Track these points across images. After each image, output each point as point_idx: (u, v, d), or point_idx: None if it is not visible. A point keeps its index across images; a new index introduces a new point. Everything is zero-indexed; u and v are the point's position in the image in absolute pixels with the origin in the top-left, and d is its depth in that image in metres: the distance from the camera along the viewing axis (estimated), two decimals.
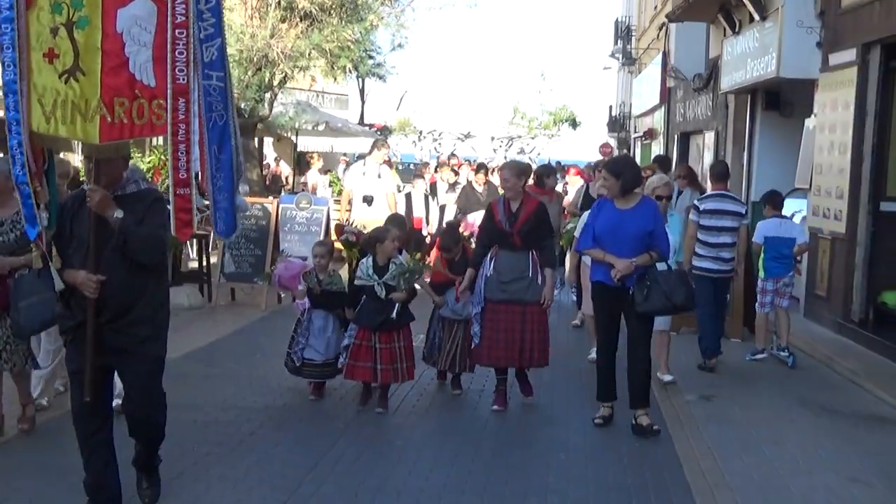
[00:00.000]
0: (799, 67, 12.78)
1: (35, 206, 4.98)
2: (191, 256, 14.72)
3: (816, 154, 12.32)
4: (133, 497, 5.60)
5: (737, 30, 15.47)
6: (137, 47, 4.89)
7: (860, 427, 7.91)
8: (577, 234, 9.12)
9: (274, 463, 6.46)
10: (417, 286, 8.18)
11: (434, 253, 10.17)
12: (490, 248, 8.11)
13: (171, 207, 4.96)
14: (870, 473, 6.56)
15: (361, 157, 17.48)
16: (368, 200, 13.22)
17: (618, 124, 40.61)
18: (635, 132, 34.71)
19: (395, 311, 7.78)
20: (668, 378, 8.91)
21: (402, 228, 8.83)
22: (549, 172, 13.15)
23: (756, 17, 14.13)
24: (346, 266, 10.06)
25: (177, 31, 4.85)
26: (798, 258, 10.76)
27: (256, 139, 20.83)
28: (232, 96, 5.13)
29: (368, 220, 12.20)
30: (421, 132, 47.13)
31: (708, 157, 19.65)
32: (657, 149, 27.51)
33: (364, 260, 8.08)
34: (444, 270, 8.71)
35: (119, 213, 5.00)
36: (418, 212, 14.87)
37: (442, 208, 15.41)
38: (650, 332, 7.68)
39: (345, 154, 27.28)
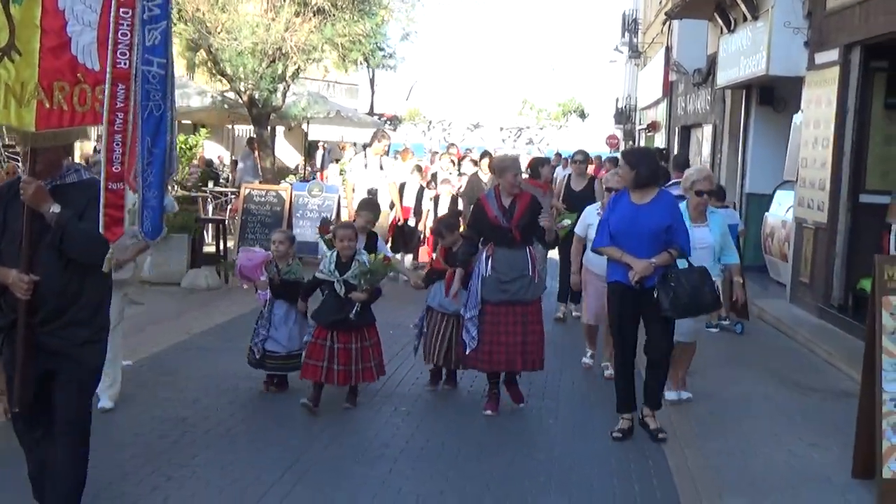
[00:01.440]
0: (787, 66, 13.42)
1: None
2: (207, 241, 15.40)
3: (802, 148, 12.95)
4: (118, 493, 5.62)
5: (732, 28, 16.10)
6: (81, 27, 4.43)
7: (828, 401, 8.59)
8: (577, 230, 9.18)
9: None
10: (406, 274, 8.36)
11: (428, 247, 9.85)
12: (478, 246, 7.75)
13: (101, 204, 4.43)
14: (829, 440, 7.24)
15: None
16: (373, 193, 13.12)
17: (624, 116, 41.18)
18: (640, 124, 35.30)
19: (353, 310, 7.45)
20: (686, 395, 8.26)
21: (374, 212, 8.91)
22: (543, 163, 12.68)
23: (749, 16, 14.76)
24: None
25: (121, 9, 4.34)
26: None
27: (269, 128, 21.45)
28: (173, 86, 4.69)
29: None
30: (430, 122, 47.71)
31: (706, 150, 20.29)
32: (660, 141, 28.15)
33: (329, 254, 7.79)
34: (440, 259, 8.44)
35: (55, 208, 4.53)
36: (408, 202, 14.69)
37: (435, 198, 14.90)
38: (672, 334, 7.26)
39: (354, 143, 27.92)
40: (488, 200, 7.78)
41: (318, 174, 21.45)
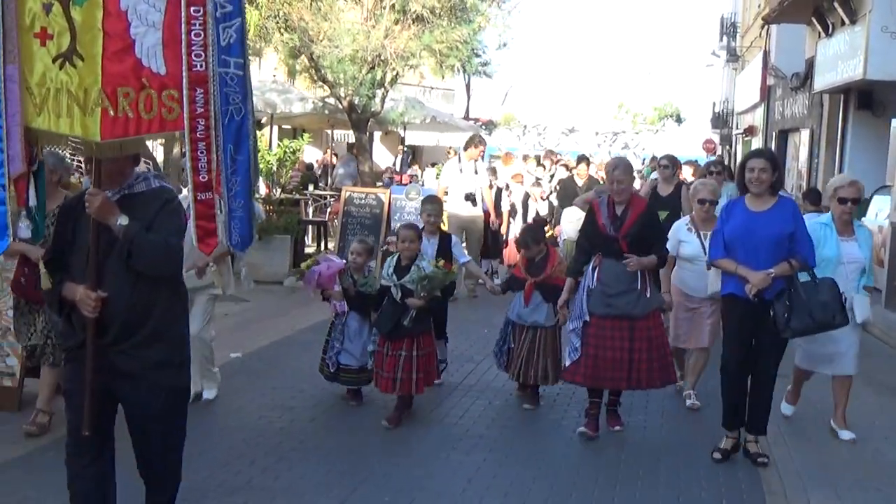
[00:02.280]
0: (885, 70, 13.39)
1: (8, 214, 4.22)
2: (307, 243, 15.92)
3: None
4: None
5: (829, 32, 16.04)
6: (145, 28, 4.13)
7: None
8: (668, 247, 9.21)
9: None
10: (479, 279, 8.20)
11: (508, 252, 9.64)
12: (591, 256, 7.24)
13: (191, 215, 4.26)
14: None
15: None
16: (472, 199, 13.17)
17: (721, 120, 40.80)
18: (737, 129, 34.99)
19: (408, 317, 7.16)
20: (847, 435, 7.31)
21: (435, 204, 8.77)
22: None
23: (846, 20, 14.72)
24: None
25: (192, 8, 4.08)
26: None
27: (368, 133, 21.97)
28: (250, 87, 4.37)
29: (468, 216, 12.98)
30: (525, 126, 47.88)
31: (803, 155, 20.16)
32: (757, 145, 27.92)
33: (389, 258, 7.59)
34: (522, 268, 8.15)
35: (123, 220, 4.23)
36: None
37: (525, 201, 15.17)
38: (782, 353, 6.79)
39: (450, 147, 28.31)
40: (600, 207, 7.25)
41: (397, 177, 21.74)
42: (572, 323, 7.27)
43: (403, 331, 7.18)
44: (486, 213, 13.89)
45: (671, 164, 12.05)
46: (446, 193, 13.41)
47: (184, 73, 4.10)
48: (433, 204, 8.78)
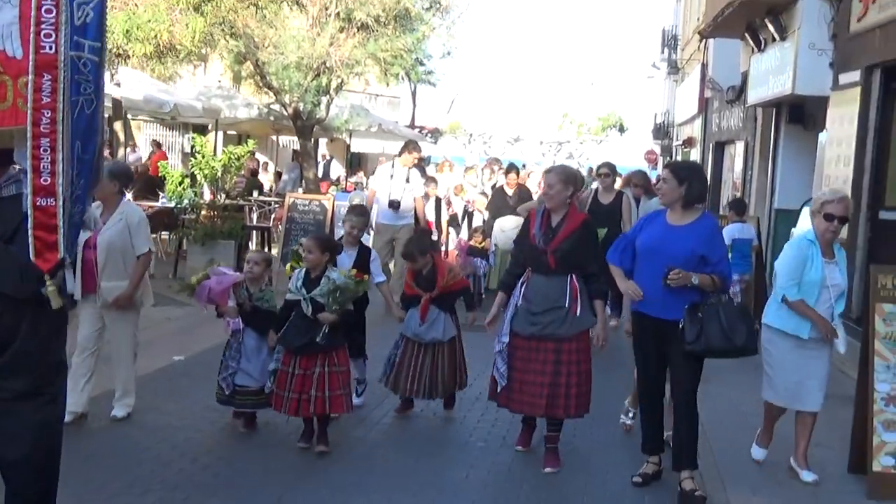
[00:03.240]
0: (813, 85, 13.83)
1: None
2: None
3: (826, 166, 13.35)
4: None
5: (762, 47, 16.51)
6: (1, 3, 3.60)
7: (836, 405, 9.00)
8: None
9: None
10: (394, 299, 7.72)
11: (447, 262, 9.08)
12: (523, 268, 6.85)
13: (29, 225, 3.66)
14: (833, 440, 7.68)
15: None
16: (395, 205, 12.62)
17: (662, 131, 41.50)
18: (677, 140, 35.64)
19: (321, 333, 6.64)
20: (810, 476, 6.66)
21: (361, 216, 8.22)
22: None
23: (777, 37, 15.20)
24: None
25: None
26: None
27: (313, 140, 22.13)
28: (103, 77, 3.84)
29: (393, 225, 12.52)
30: (471, 135, 48.23)
31: (738, 167, 20.69)
32: (696, 156, 28.51)
33: (297, 270, 7.06)
34: (410, 282, 7.80)
35: None
36: (429, 216, 13.94)
37: (466, 212, 14.81)
38: (698, 376, 6.29)
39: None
40: (536, 218, 6.80)
41: (322, 185, 21.81)
42: (497, 343, 6.82)
43: (316, 347, 6.64)
44: (429, 224, 13.52)
45: (611, 172, 12.10)
46: (374, 198, 12.95)
47: (31, 56, 3.54)
48: (359, 216, 8.18)
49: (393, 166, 12.95)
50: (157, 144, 23.79)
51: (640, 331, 6.42)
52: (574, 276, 6.64)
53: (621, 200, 11.63)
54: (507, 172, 14.44)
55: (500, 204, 13.52)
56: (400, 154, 13.26)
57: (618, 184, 13.04)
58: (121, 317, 7.23)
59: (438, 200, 14.62)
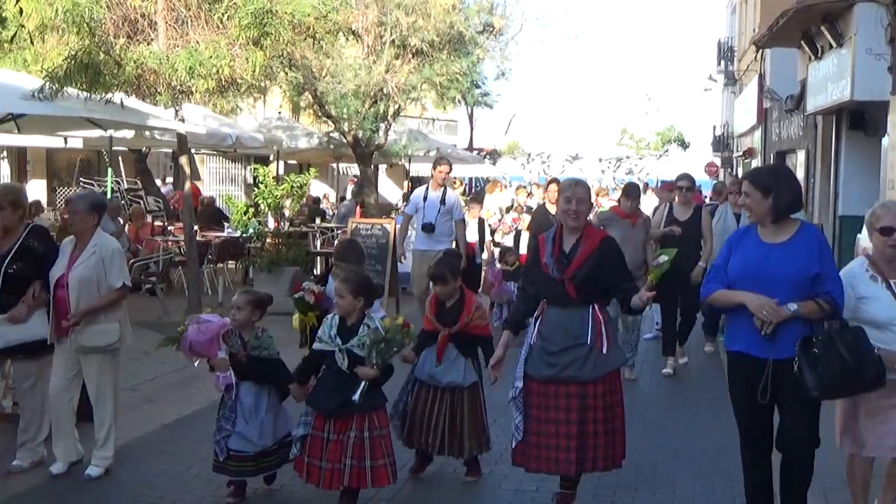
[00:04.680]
0: (872, 91, 13.75)
1: None
2: (316, 274, 16.28)
3: (890, 170, 13.24)
4: None
5: (819, 55, 16.43)
6: None
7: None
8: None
9: None
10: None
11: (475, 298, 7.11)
12: (537, 302, 5.93)
13: None
14: None
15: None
16: (428, 229, 11.66)
17: (722, 144, 41.24)
18: (737, 152, 35.40)
19: (358, 391, 5.64)
20: None
21: (355, 259, 7.10)
22: (631, 192, 10.40)
23: (833, 44, 15.13)
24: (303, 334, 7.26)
25: None
26: None
27: (372, 166, 22.41)
28: None
29: (429, 251, 11.28)
30: (529, 155, 48.29)
31: (800, 175, 20.52)
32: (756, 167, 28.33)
33: (329, 315, 6.03)
34: (431, 316, 6.61)
35: None
36: (471, 237, 13.01)
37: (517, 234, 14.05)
38: (816, 426, 5.13)
39: (455, 179, 28.70)
40: (546, 241, 5.92)
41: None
42: (511, 390, 5.89)
43: (353, 407, 5.66)
44: (471, 245, 12.59)
45: (692, 185, 10.97)
46: (411, 225, 12.24)
47: None
48: (355, 261, 7.09)
49: (428, 187, 11.97)
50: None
51: (741, 374, 5.19)
52: (597, 306, 5.74)
53: (700, 216, 10.49)
54: (547, 185, 13.31)
55: (542, 222, 11.71)
56: (431, 172, 12.27)
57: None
58: (98, 360, 6.61)
59: (481, 221, 14.17)
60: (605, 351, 5.70)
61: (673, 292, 9.91)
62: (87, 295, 6.47)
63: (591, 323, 5.71)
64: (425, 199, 11.74)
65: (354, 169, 25.07)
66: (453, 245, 11.65)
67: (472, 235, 13.23)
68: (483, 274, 13.12)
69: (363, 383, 5.66)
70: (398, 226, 13.92)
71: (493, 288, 11.80)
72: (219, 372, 6.04)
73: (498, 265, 12.62)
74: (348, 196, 24.40)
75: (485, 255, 14.12)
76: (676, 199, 10.61)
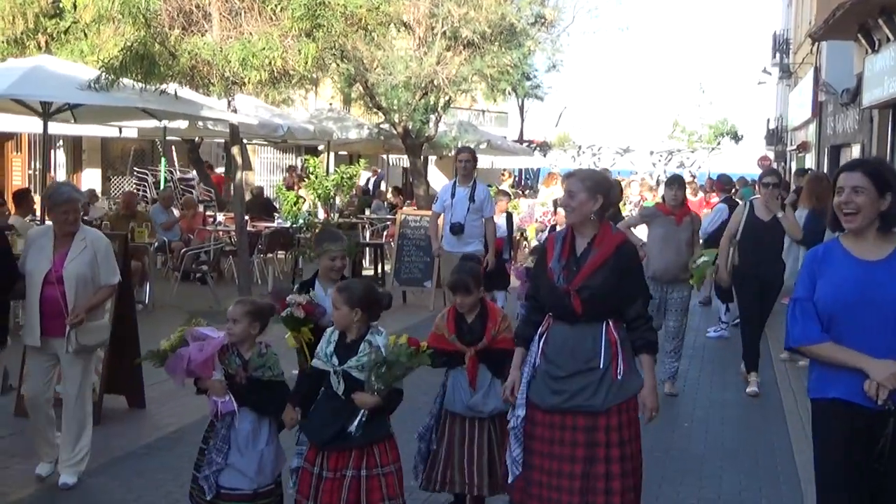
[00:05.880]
0: None
1: None
2: (365, 265, 16.39)
3: None
4: None
5: (876, 48, 16.18)
6: None
7: None
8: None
9: None
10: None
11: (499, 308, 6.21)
12: (545, 315, 4.95)
13: None
14: None
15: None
16: (456, 229, 10.70)
17: (775, 137, 40.75)
18: (791, 145, 34.97)
19: (356, 420, 4.74)
20: None
21: (339, 246, 6.15)
22: (673, 182, 9.48)
23: (891, 37, 14.89)
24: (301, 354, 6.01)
25: None
26: None
27: (422, 158, 22.45)
28: None
29: (457, 253, 10.05)
30: (580, 147, 48.09)
31: None
32: (810, 162, 27.96)
33: (329, 331, 5.05)
34: (448, 334, 5.57)
35: None
36: (499, 233, 12.01)
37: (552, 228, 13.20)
38: None
39: (504, 170, 28.74)
40: (555, 243, 4.95)
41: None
42: (511, 418, 4.97)
43: (350, 440, 4.77)
44: (499, 241, 11.70)
45: (779, 181, 9.60)
46: (441, 223, 11.28)
47: None
48: (336, 243, 6.20)
49: (454, 183, 11.00)
50: (210, 167, 23.57)
51: (837, 427, 4.05)
52: (611, 322, 4.76)
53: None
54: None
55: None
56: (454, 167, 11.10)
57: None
58: (85, 360, 6.36)
59: (510, 215, 13.59)
60: (619, 377, 4.74)
61: (754, 300, 9.21)
62: (85, 292, 6.21)
63: (604, 343, 4.73)
64: (453, 195, 10.78)
65: (405, 161, 25.12)
66: (483, 247, 10.82)
67: (499, 231, 12.24)
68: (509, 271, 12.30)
69: (362, 412, 4.74)
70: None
71: (518, 286, 11.37)
72: (214, 396, 5.02)
73: (520, 263, 12.15)
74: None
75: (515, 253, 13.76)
76: (762, 197, 9.24)
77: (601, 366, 4.70)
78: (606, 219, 4.92)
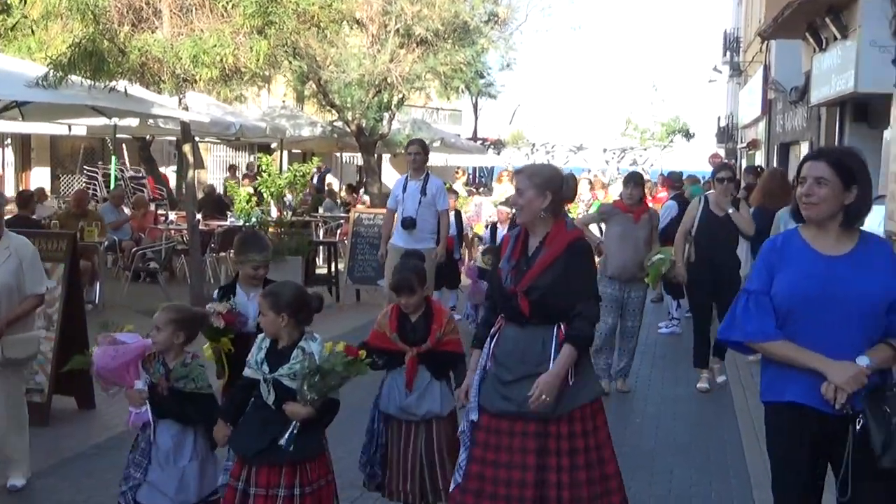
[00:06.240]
0: (876, 83, 13.70)
1: None
2: (319, 263, 16.32)
3: (892, 163, 13.23)
4: None
5: (823, 47, 16.40)
6: None
7: None
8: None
9: None
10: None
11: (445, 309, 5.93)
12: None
13: None
14: None
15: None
16: (408, 224, 10.24)
17: (726, 135, 41.21)
18: (741, 143, 35.39)
19: (288, 433, 4.40)
20: None
21: (260, 251, 5.65)
22: (630, 180, 9.31)
23: (838, 35, 15.11)
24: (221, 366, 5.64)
25: None
26: None
27: (376, 156, 22.44)
28: None
29: (413, 250, 9.33)
30: (534, 145, 48.27)
31: None
32: (760, 159, 28.31)
33: (260, 336, 4.73)
34: (390, 333, 5.31)
35: None
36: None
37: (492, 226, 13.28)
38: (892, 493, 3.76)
39: (458, 168, 28.76)
40: (508, 243, 4.74)
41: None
42: (463, 422, 4.77)
43: (280, 454, 4.43)
44: (449, 240, 11.17)
45: (732, 176, 9.42)
46: (394, 218, 10.78)
47: None
48: (260, 252, 5.66)
49: (406, 177, 10.58)
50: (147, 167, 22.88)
51: (793, 432, 3.88)
52: (564, 325, 4.51)
53: (738, 210, 9.17)
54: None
55: None
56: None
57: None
58: (16, 372, 6.14)
59: (458, 214, 13.30)
60: (570, 382, 4.45)
61: (708, 296, 9.11)
62: (9, 303, 5.87)
63: (554, 346, 4.47)
64: (405, 189, 10.38)
65: (358, 159, 25.08)
66: (438, 244, 10.50)
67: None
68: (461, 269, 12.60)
69: (294, 424, 4.40)
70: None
71: (469, 285, 11.28)
72: (131, 406, 4.82)
73: (473, 261, 12.16)
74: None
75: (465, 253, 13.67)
76: (716, 192, 9.21)
77: (549, 369, 4.44)
78: (562, 216, 4.69)
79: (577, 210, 15.49)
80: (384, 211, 12.07)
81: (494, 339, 4.65)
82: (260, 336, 4.71)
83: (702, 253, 9.06)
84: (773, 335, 3.83)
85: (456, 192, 14.74)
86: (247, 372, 4.64)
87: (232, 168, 25.12)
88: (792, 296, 3.81)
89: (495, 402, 4.53)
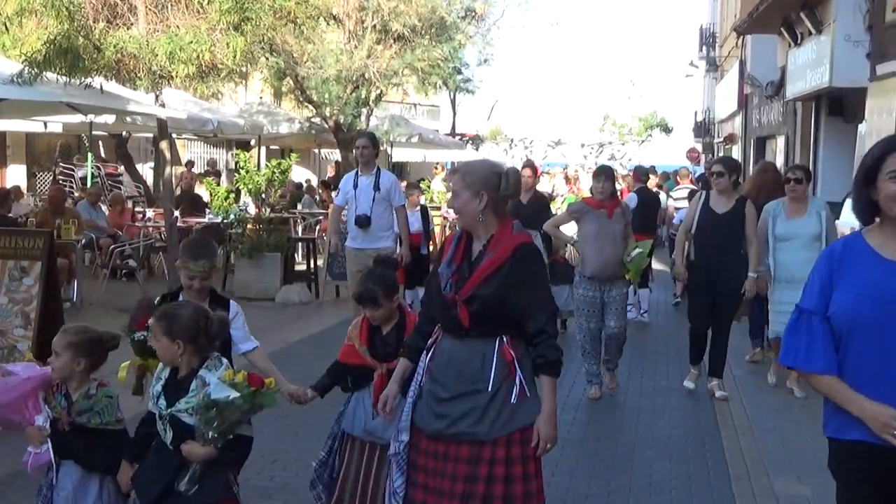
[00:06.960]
0: (850, 77, 13.87)
1: None
2: (298, 260, 16.30)
3: None
4: None
5: (798, 42, 16.54)
6: None
7: None
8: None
9: None
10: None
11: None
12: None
13: None
14: None
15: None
16: (362, 221, 9.59)
17: (703, 129, 41.40)
18: (718, 137, 35.56)
19: (188, 476, 3.87)
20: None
21: (207, 257, 4.90)
22: (600, 174, 8.76)
23: (813, 30, 15.24)
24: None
25: None
26: None
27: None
28: None
29: (364, 250, 9.39)
30: (512, 140, 48.33)
31: (780, 161, 20.65)
32: (737, 153, 28.46)
33: (160, 365, 4.15)
34: (360, 346, 4.80)
35: None
36: (413, 229, 11.25)
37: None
38: None
39: (437, 163, 28.75)
40: (450, 246, 4.25)
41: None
42: (394, 443, 4.24)
43: (180, 499, 3.90)
44: (415, 237, 11.05)
45: (728, 171, 8.61)
46: (343, 217, 10.26)
47: None
48: (196, 261, 4.88)
49: (356, 172, 9.80)
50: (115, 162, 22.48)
51: (873, 478, 3.26)
52: (508, 339, 4.04)
53: (744, 209, 8.50)
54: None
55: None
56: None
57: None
58: None
59: (425, 210, 13.01)
60: (512, 401, 3.99)
61: (706, 302, 8.63)
62: None
63: (495, 362, 4.01)
64: (356, 185, 9.62)
65: (336, 154, 25.04)
66: (396, 242, 9.97)
67: (414, 226, 11.52)
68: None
69: (194, 465, 3.88)
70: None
71: None
72: (30, 447, 4.19)
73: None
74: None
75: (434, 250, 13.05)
76: (715, 188, 8.63)
77: (489, 388, 3.98)
78: (507, 216, 4.17)
79: (555, 206, 15.45)
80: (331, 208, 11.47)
81: (430, 353, 4.18)
82: (160, 364, 4.13)
83: (701, 251, 8.57)
84: (820, 370, 3.26)
85: (419, 188, 14.27)
86: (150, 405, 4.10)
87: (189, 164, 24.84)
88: (854, 313, 3.19)
89: (429, 423, 4.08)
